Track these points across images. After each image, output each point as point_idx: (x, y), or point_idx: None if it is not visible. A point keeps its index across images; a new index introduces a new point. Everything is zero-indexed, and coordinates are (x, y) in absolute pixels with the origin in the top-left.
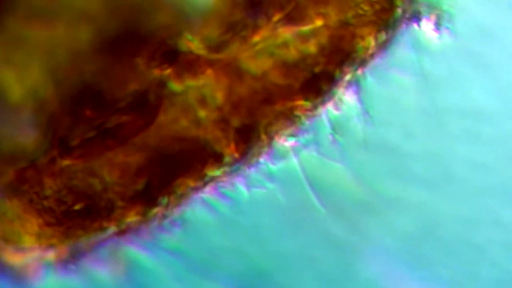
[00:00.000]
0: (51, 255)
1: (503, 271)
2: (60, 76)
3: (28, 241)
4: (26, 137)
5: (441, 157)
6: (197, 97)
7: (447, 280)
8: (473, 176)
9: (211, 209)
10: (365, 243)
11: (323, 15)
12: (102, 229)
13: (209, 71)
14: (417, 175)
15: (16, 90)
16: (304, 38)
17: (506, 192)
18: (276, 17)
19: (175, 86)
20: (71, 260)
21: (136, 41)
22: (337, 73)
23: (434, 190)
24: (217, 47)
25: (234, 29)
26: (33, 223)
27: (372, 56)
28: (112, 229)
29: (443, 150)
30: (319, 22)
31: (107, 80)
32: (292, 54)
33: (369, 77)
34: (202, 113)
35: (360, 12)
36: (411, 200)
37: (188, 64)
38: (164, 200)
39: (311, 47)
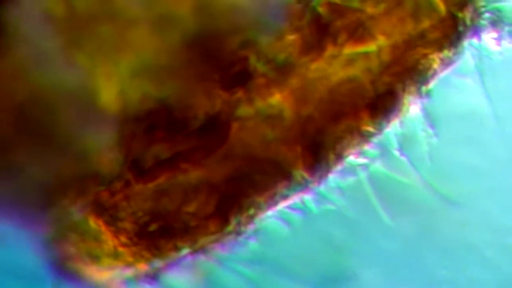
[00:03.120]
0: (130, 272)
1: (500, 274)
2: (142, 88)
3: (106, 261)
4: (108, 156)
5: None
6: (266, 118)
7: (445, 283)
8: (470, 180)
9: (284, 223)
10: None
11: (387, 34)
12: (177, 248)
13: (277, 92)
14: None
15: (105, 98)
16: (368, 57)
17: (504, 196)
18: (342, 38)
19: (245, 108)
20: (150, 277)
21: (211, 61)
22: (402, 91)
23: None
24: (284, 69)
25: (302, 51)
26: (109, 244)
27: (436, 72)
28: (187, 248)
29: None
30: (383, 41)
31: (181, 100)
32: (357, 73)
33: (435, 92)
34: (270, 134)
35: (424, 30)
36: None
37: (257, 86)
38: (237, 219)
39: (375, 66)
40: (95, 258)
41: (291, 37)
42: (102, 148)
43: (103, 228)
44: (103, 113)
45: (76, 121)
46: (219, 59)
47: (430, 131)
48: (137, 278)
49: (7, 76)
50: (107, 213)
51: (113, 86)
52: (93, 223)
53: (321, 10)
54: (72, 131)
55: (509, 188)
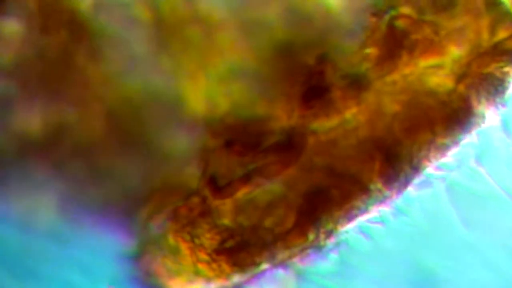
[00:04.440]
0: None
1: (501, 274)
2: (227, 96)
3: (186, 277)
4: (188, 169)
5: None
6: (342, 132)
7: (445, 283)
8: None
9: (363, 236)
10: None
11: (462, 47)
12: (256, 264)
13: (353, 106)
14: None
15: (192, 105)
16: (443, 70)
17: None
18: (417, 51)
19: (321, 122)
20: None
21: (292, 73)
22: (477, 102)
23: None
24: (360, 82)
25: (377, 64)
26: (188, 261)
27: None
28: (266, 263)
29: None
30: (458, 53)
31: (261, 112)
32: (432, 85)
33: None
34: (347, 148)
35: (499, 41)
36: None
37: (333, 100)
38: (315, 234)
39: (450, 78)
40: (175, 274)
41: (367, 50)
42: (184, 159)
43: (181, 244)
44: (189, 121)
45: (163, 127)
46: (299, 71)
47: (508, 141)
48: None
49: (98, 81)
50: (185, 229)
51: (201, 93)
52: (172, 238)
53: (396, 23)
54: (158, 138)
55: None
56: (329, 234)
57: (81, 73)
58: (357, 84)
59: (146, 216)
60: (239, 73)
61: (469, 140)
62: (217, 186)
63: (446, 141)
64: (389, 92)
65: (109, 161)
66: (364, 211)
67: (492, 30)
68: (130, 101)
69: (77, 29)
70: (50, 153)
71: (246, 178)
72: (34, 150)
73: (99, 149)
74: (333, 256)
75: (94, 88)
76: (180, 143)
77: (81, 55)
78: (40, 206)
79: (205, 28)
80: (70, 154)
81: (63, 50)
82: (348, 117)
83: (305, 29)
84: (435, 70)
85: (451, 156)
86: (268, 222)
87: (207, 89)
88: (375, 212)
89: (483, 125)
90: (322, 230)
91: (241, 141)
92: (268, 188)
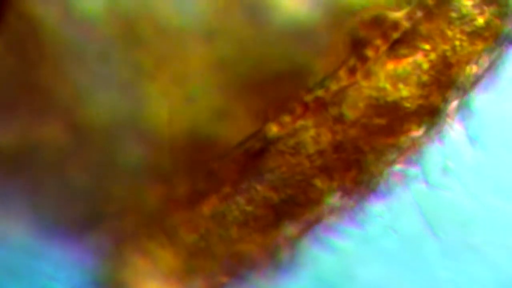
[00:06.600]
0: None
1: (501, 272)
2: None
3: None
4: (150, 183)
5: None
6: (304, 139)
7: (446, 282)
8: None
9: (325, 246)
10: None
11: (426, 49)
12: (222, 274)
13: (315, 112)
14: None
15: (157, 121)
16: (407, 72)
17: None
18: (380, 55)
19: (282, 131)
20: None
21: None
22: (443, 104)
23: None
24: (322, 87)
25: (340, 69)
26: (152, 277)
27: (477, 83)
28: (231, 275)
29: None
30: (419, 56)
31: (225, 123)
32: (396, 89)
33: (476, 102)
34: (309, 156)
35: (462, 41)
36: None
37: (295, 109)
38: (278, 243)
39: (413, 81)
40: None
41: (331, 56)
42: (146, 175)
43: (142, 258)
44: (152, 137)
45: (127, 144)
46: (263, 82)
47: (474, 143)
48: None
49: (64, 97)
50: (148, 244)
51: (167, 109)
52: (134, 255)
53: (358, 28)
54: (123, 154)
55: None
56: (292, 243)
57: (47, 88)
58: (320, 91)
59: (108, 232)
60: (204, 87)
61: (434, 145)
62: (180, 200)
63: (411, 146)
64: (352, 99)
65: (75, 176)
66: (328, 218)
67: (454, 31)
68: (96, 117)
69: (43, 44)
70: (21, 169)
71: (209, 191)
72: (4, 166)
73: (67, 165)
74: (295, 266)
75: (61, 103)
76: (144, 159)
77: (47, 70)
78: (12, 224)
79: (173, 42)
80: (39, 171)
81: (30, 65)
82: (310, 124)
83: (272, 40)
84: (399, 75)
85: (416, 161)
86: (230, 233)
87: (174, 104)
88: (338, 219)
89: (448, 130)
90: (285, 239)
91: (204, 153)
92: (230, 199)
